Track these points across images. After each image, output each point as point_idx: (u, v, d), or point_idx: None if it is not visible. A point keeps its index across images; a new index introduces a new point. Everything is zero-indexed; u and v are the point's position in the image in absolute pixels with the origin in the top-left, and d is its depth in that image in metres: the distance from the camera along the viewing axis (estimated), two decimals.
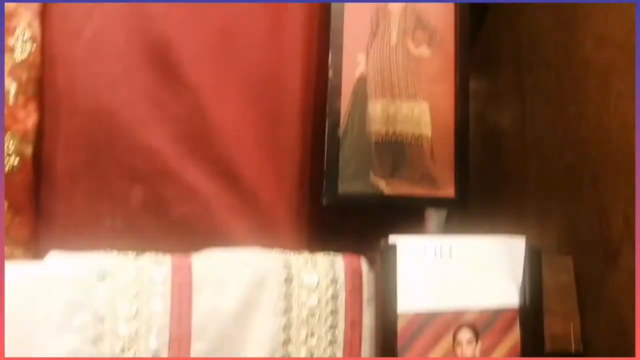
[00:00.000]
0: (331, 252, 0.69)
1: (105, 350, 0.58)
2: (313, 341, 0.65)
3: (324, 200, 0.72)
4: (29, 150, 0.63)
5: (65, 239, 0.64)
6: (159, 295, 0.60)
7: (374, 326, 0.67)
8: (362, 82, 0.76)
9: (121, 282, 0.60)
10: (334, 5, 0.77)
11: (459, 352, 0.69)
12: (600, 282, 0.72)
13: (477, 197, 0.80)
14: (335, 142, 0.74)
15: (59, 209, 0.68)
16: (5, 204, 0.63)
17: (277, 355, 0.63)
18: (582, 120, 0.74)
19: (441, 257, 0.69)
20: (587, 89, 0.73)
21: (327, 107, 0.74)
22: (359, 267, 0.68)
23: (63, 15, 0.70)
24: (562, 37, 0.77)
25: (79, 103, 0.69)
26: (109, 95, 0.70)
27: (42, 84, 0.66)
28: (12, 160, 0.62)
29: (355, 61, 0.77)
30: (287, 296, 0.65)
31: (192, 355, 0.60)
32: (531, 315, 0.71)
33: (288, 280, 0.65)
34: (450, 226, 0.84)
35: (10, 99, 0.63)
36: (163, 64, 0.72)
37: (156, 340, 0.59)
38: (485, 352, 0.70)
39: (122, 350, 0.58)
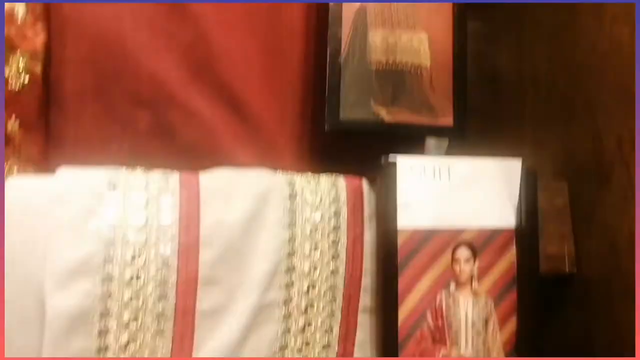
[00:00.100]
0: (333, 174, 0.71)
1: (117, 256, 0.60)
2: (316, 255, 0.67)
3: (326, 126, 0.74)
4: (38, 68, 0.65)
5: (74, 161, 0.65)
6: (168, 206, 0.63)
7: (375, 242, 0.70)
8: (362, 11, 0.77)
9: (131, 192, 0.62)
10: None
11: (457, 269, 0.71)
12: (594, 205, 0.74)
13: (475, 127, 0.82)
14: (337, 70, 0.75)
15: (67, 131, 0.70)
16: (17, 122, 0.64)
17: (281, 267, 0.65)
18: (577, 47, 0.75)
19: (440, 177, 0.71)
20: (582, 15, 0.74)
21: (328, 35, 0.75)
22: (360, 186, 0.71)
23: None
24: None
25: (85, 29, 0.70)
26: (115, 23, 0.71)
27: (49, 9, 0.68)
28: (23, 78, 0.64)
29: None
30: (291, 211, 0.67)
31: (200, 263, 0.62)
32: (527, 235, 0.73)
33: (292, 197, 0.67)
34: (449, 156, 0.85)
35: (19, 19, 0.64)
36: None
37: (166, 248, 0.62)
38: (483, 270, 0.72)
39: (133, 257, 0.61)
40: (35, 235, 0.59)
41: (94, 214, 0.60)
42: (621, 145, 0.70)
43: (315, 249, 0.67)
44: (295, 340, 0.66)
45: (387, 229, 0.68)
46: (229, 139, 0.74)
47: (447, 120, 0.79)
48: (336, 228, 0.68)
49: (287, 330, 0.66)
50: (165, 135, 0.72)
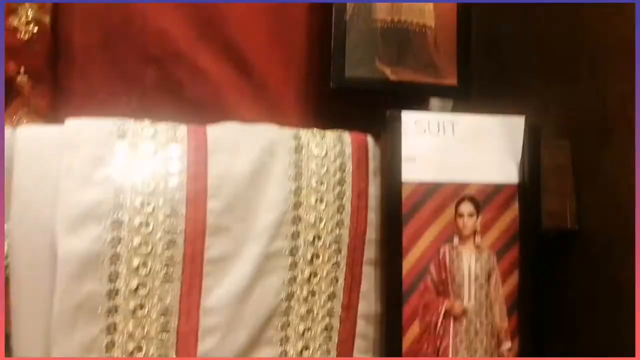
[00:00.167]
0: (338, 130, 0.72)
1: (127, 203, 0.61)
2: (322, 207, 0.68)
3: (331, 84, 0.75)
4: (46, 19, 0.65)
5: (82, 115, 0.66)
6: (176, 156, 0.63)
7: (379, 196, 0.71)
8: None
9: (139, 141, 0.63)
10: None
11: (460, 223, 0.72)
12: (596, 163, 0.75)
13: (479, 88, 0.83)
14: (342, 27, 0.76)
15: (75, 85, 0.70)
16: (26, 76, 0.65)
17: (288, 217, 0.66)
18: (581, 8, 0.76)
19: (444, 132, 0.72)
20: None
21: None
22: (365, 141, 0.71)
23: None
24: None
25: None
26: None
27: None
28: (32, 28, 0.64)
29: None
30: (297, 164, 0.68)
31: (208, 212, 0.63)
32: (529, 191, 0.74)
33: (298, 150, 0.68)
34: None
35: None
36: None
37: (174, 196, 0.63)
38: (485, 226, 0.73)
39: (142, 205, 0.62)
40: (45, 180, 0.60)
41: (103, 161, 0.61)
42: (624, 103, 0.71)
43: (321, 201, 0.68)
44: (301, 290, 0.67)
45: (392, 182, 0.69)
46: (234, 96, 0.75)
47: (452, 80, 0.79)
48: (341, 181, 0.69)
49: (293, 279, 0.67)
50: (172, 92, 0.73)
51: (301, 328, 0.68)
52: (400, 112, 0.69)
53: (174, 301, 0.63)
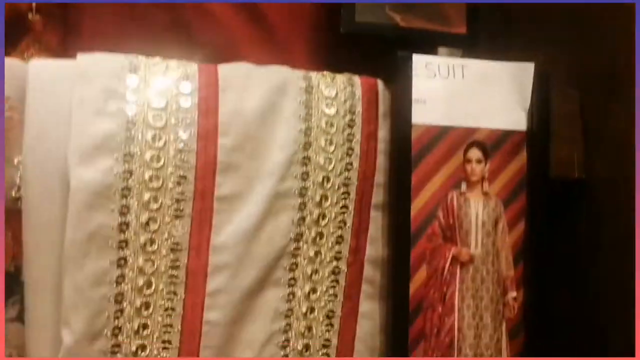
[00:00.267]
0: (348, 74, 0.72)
1: (138, 136, 0.61)
2: (331, 148, 0.68)
3: (341, 28, 0.75)
4: None
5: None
6: (187, 91, 0.64)
7: (388, 139, 0.71)
8: None
9: (151, 76, 0.63)
10: None
11: (468, 169, 0.72)
12: (604, 112, 0.75)
13: (489, 38, 0.83)
14: None
15: (86, 24, 0.70)
16: (38, 13, 0.65)
17: (297, 157, 0.67)
18: None
19: (454, 76, 0.72)
20: None
21: None
22: (375, 84, 0.71)
23: None
24: None
25: None
26: None
27: None
28: None
29: None
30: (307, 104, 0.68)
31: (219, 149, 0.64)
32: (538, 139, 0.74)
33: (308, 91, 0.68)
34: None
35: None
36: None
37: (185, 132, 0.63)
38: (493, 173, 0.73)
39: (154, 139, 0.62)
40: (57, 112, 0.60)
41: (115, 94, 0.61)
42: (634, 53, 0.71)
43: (330, 143, 0.68)
44: (310, 231, 0.68)
45: (402, 123, 0.69)
46: (244, 41, 0.75)
47: (461, 28, 0.80)
48: (351, 124, 0.69)
49: (302, 220, 0.67)
50: (182, 34, 0.73)
51: (309, 270, 0.68)
52: (411, 53, 0.69)
53: (184, 238, 0.63)
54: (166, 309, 0.63)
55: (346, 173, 0.69)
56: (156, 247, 0.62)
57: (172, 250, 0.63)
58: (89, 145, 0.59)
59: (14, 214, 0.60)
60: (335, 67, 0.75)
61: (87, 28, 0.70)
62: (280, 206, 0.66)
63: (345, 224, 0.69)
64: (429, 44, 0.81)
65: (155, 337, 0.63)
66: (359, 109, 0.70)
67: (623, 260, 0.71)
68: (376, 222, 0.71)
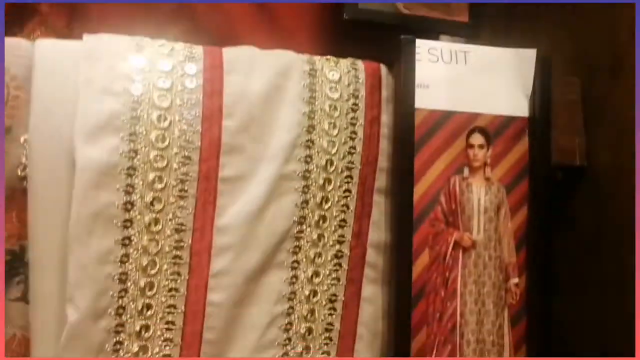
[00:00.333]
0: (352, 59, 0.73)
1: (144, 116, 0.62)
2: (335, 132, 0.69)
3: (345, 14, 0.75)
4: None
5: None
6: (192, 73, 0.64)
7: (391, 124, 0.71)
8: None
9: (156, 56, 0.63)
10: None
11: (471, 154, 0.73)
12: (605, 100, 0.75)
13: (490, 26, 0.84)
14: None
15: (93, 8, 0.71)
16: None
17: (301, 140, 0.67)
18: None
19: (457, 62, 0.72)
20: None
21: None
22: (378, 69, 0.72)
23: None
24: None
25: None
26: None
27: None
28: None
29: None
30: (311, 87, 0.68)
31: (224, 130, 0.64)
32: (540, 125, 0.74)
33: (312, 74, 0.69)
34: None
35: None
36: None
37: (190, 112, 0.63)
38: (495, 158, 0.74)
39: (159, 119, 0.62)
40: (64, 91, 0.60)
41: (121, 74, 0.61)
42: (633, 37, 0.71)
43: (334, 126, 0.69)
44: (313, 214, 0.68)
45: (405, 107, 0.69)
46: (248, 26, 0.76)
47: (463, 17, 0.80)
48: (354, 108, 0.70)
49: (306, 203, 0.67)
50: (187, 20, 0.74)
51: (312, 253, 0.69)
52: (414, 38, 0.69)
53: (188, 218, 0.64)
54: (170, 290, 0.64)
55: (349, 157, 0.69)
56: (160, 227, 0.63)
57: (177, 230, 0.63)
58: (95, 125, 0.59)
59: (20, 193, 0.61)
60: (339, 52, 0.75)
61: (93, 12, 0.71)
62: (284, 188, 0.66)
63: (348, 207, 0.70)
64: (431, 32, 0.82)
65: (158, 317, 0.63)
66: (362, 93, 0.70)
67: (624, 246, 0.71)
68: (379, 207, 0.71)
